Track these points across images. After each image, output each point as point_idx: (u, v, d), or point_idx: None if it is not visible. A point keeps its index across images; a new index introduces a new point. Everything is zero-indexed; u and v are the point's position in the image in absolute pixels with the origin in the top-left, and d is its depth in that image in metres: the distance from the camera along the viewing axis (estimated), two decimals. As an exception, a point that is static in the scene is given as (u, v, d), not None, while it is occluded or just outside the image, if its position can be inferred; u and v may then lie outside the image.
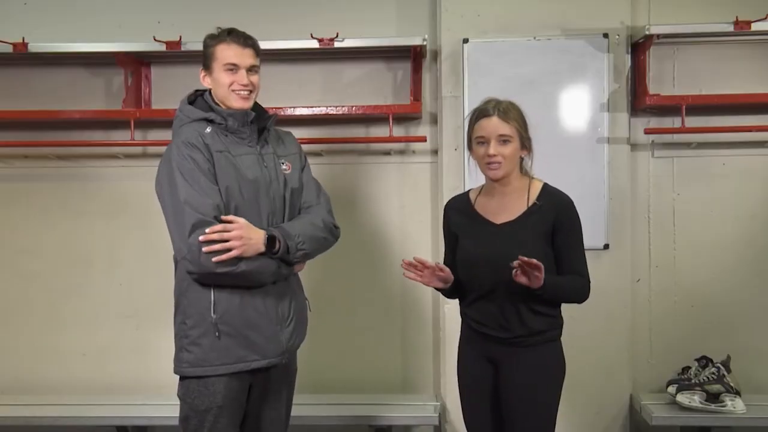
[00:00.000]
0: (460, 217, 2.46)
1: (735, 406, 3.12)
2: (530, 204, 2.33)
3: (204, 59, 2.35)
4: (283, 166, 2.39)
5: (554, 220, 2.31)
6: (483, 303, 2.38)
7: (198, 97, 2.40)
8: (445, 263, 2.52)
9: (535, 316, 2.30)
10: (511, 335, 2.32)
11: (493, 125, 2.30)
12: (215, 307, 2.21)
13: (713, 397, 3.17)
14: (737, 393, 3.18)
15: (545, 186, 2.38)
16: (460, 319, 2.83)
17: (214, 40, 2.34)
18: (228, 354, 2.24)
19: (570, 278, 2.33)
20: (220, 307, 2.23)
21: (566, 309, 2.80)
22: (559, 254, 2.32)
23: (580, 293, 2.36)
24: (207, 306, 2.21)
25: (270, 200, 2.33)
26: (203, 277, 2.17)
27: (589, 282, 2.36)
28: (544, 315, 2.32)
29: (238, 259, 2.14)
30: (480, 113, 2.34)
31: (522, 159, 2.36)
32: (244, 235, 2.15)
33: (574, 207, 2.37)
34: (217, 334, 2.22)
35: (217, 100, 2.35)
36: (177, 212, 2.18)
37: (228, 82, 2.29)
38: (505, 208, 2.36)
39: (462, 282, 2.43)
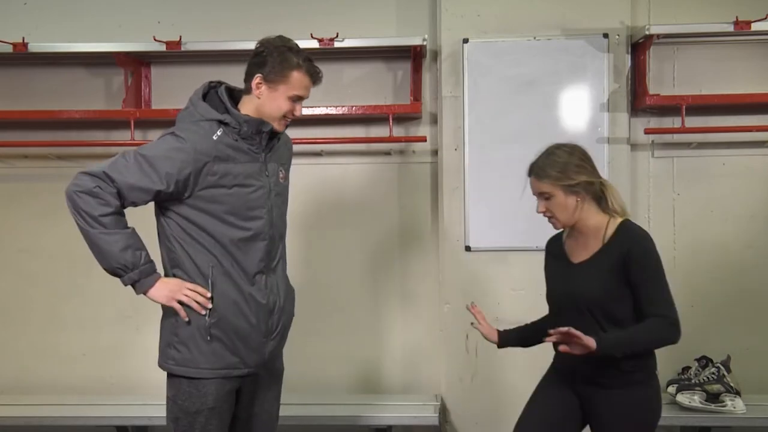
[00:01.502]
0: (551, 257, 2.50)
1: (735, 406, 3.13)
2: (605, 242, 2.31)
3: (268, 68, 2.25)
4: (281, 174, 2.39)
5: (625, 256, 2.26)
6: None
7: (210, 90, 2.33)
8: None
9: (618, 357, 2.24)
10: (594, 374, 2.29)
11: (532, 184, 2.34)
12: (211, 312, 2.21)
13: (713, 397, 3.17)
14: (737, 393, 3.19)
15: (623, 223, 2.33)
16: (460, 318, 2.88)
17: (292, 61, 2.24)
18: (217, 359, 2.25)
19: (641, 327, 2.24)
20: (216, 313, 2.22)
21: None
22: (636, 292, 2.25)
23: (660, 338, 2.25)
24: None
25: (268, 210, 2.33)
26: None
27: (674, 320, 2.24)
28: (628, 356, 2.24)
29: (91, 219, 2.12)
30: (528, 169, 2.36)
31: (602, 196, 2.31)
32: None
33: (648, 242, 2.30)
34: (209, 338, 2.23)
35: (246, 107, 2.29)
36: (121, 156, 2.17)
37: (287, 110, 2.26)
38: (584, 247, 2.36)
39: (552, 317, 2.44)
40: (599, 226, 2.31)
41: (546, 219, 2.40)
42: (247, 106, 2.28)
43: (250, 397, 2.38)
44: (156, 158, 2.17)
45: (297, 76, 2.24)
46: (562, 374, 2.41)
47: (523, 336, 2.54)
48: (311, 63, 2.28)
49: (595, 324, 2.23)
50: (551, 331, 2.17)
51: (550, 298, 2.44)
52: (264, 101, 2.26)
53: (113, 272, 2.19)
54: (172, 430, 2.31)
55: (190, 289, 2.21)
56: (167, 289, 2.21)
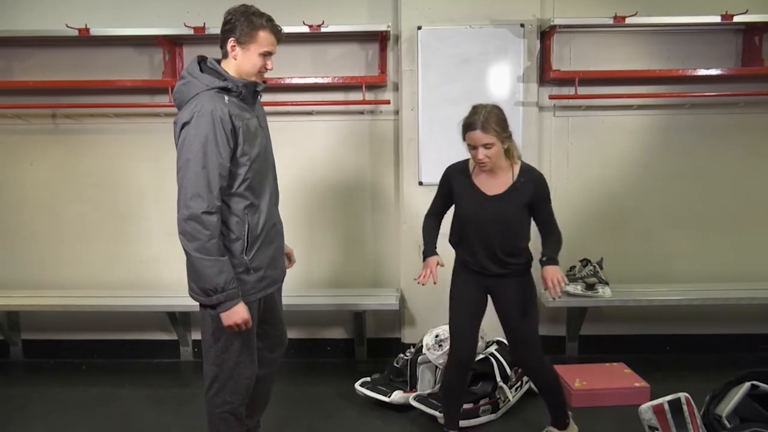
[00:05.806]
0: (460, 181, 2.73)
1: (605, 293, 3.69)
2: (514, 180, 2.65)
3: (239, 32, 2.24)
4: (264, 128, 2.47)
5: (533, 194, 2.64)
6: (470, 248, 2.75)
7: (200, 63, 2.32)
8: (434, 203, 2.85)
9: (508, 261, 2.71)
10: (492, 273, 2.74)
11: (478, 137, 2.54)
12: (247, 249, 2.32)
13: (590, 287, 3.68)
14: (606, 283, 3.74)
15: (522, 165, 2.67)
16: (414, 234, 3.35)
17: (257, 23, 2.24)
18: (255, 285, 2.35)
19: (554, 237, 2.70)
20: (252, 249, 2.32)
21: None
22: (539, 215, 2.68)
23: (561, 239, 2.74)
24: (240, 250, 2.34)
25: (270, 154, 2.43)
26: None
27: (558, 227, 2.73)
28: (515, 262, 2.73)
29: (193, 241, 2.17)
30: (468, 127, 2.56)
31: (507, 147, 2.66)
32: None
33: (545, 180, 2.70)
34: (252, 272, 2.35)
35: (228, 69, 2.29)
36: (203, 177, 2.15)
37: (260, 65, 2.29)
38: (495, 183, 2.67)
39: (459, 230, 2.78)
40: (507, 167, 2.66)
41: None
42: (228, 69, 2.31)
43: (273, 304, 2.55)
44: (204, 147, 2.13)
45: (263, 35, 2.28)
46: (473, 272, 2.78)
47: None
48: (273, 23, 2.30)
49: (498, 234, 2.64)
50: (553, 294, 2.58)
51: (467, 219, 2.70)
52: (240, 61, 2.28)
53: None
54: (211, 342, 2.33)
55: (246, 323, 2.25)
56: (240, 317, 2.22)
